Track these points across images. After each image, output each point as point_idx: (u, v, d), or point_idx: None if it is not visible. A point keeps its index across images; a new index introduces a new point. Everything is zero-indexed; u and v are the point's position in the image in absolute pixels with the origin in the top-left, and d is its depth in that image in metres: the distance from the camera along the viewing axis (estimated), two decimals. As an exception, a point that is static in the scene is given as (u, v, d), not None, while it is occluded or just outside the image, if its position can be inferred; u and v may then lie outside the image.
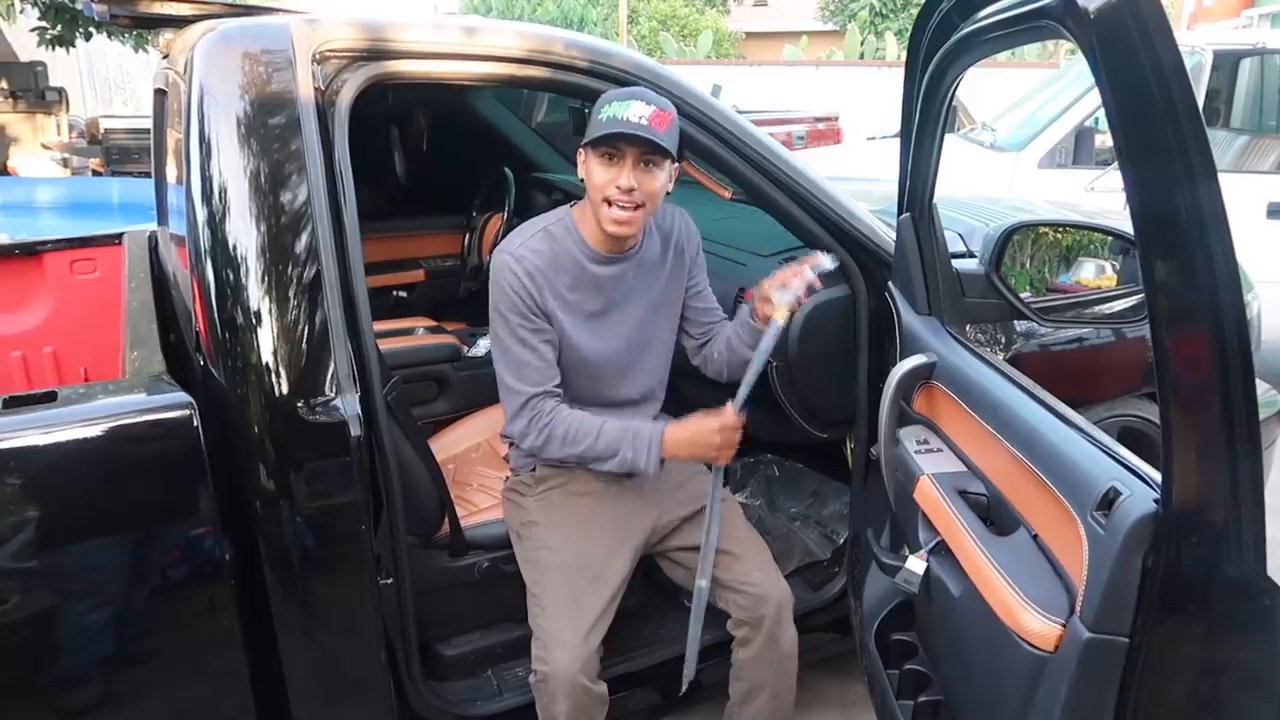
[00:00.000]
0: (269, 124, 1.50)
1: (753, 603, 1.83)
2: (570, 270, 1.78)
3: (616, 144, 1.64)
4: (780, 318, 1.73)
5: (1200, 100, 4.52)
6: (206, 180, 1.50)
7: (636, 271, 1.85)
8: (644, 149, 1.65)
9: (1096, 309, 2.19)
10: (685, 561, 1.91)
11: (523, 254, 1.75)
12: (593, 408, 1.84)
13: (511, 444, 2.00)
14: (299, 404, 1.52)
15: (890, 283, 1.95)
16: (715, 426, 1.74)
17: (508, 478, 2.01)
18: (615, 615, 1.78)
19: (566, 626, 1.70)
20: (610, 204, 1.68)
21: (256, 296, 1.50)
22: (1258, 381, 1.25)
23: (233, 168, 1.49)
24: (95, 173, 7.58)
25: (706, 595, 1.81)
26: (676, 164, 1.74)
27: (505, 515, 1.98)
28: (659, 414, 1.99)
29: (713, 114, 1.87)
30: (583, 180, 1.74)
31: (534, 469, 1.91)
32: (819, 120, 8.57)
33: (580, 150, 1.72)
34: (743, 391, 1.74)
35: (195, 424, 1.39)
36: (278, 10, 2.10)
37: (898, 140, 1.82)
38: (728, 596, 1.86)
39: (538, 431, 1.76)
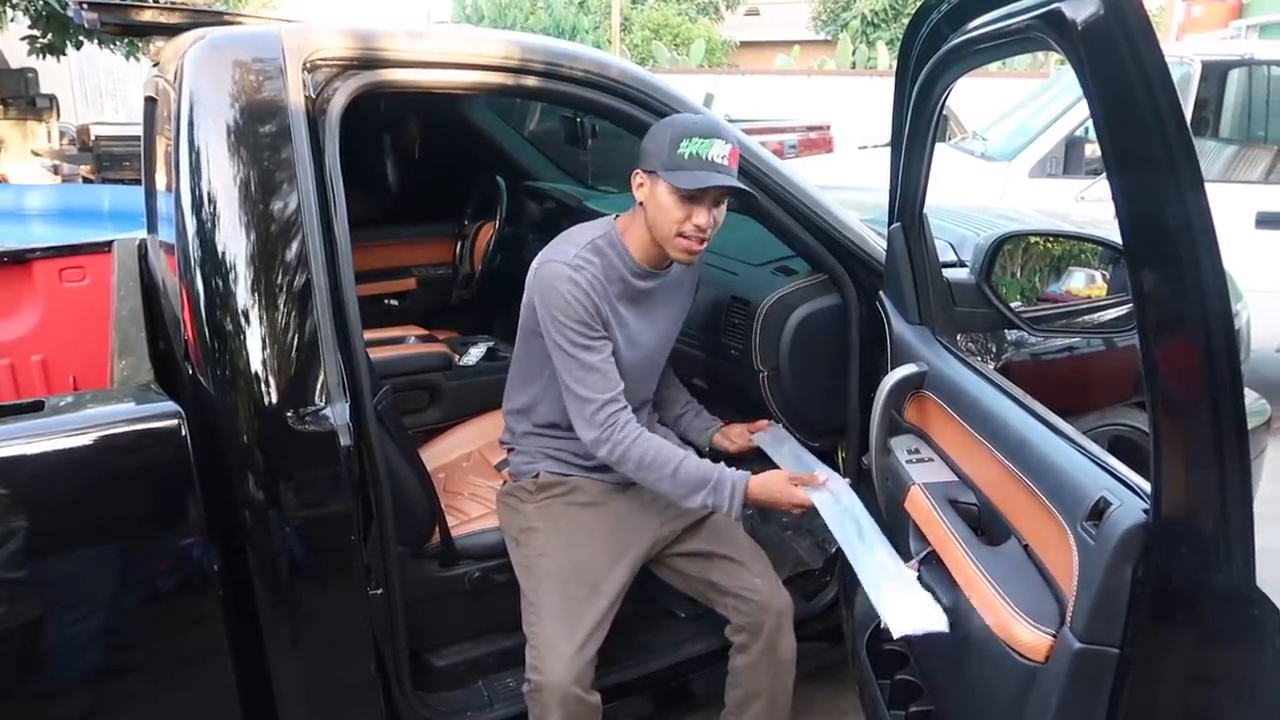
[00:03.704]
0: (259, 132, 1.50)
1: (754, 609, 1.83)
2: (617, 281, 1.79)
3: (705, 188, 1.65)
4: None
5: (1189, 110, 4.56)
6: (196, 188, 1.49)
7: (666, 287, 1.88)
8: (724, 192, 1.68)
9: (1086, 318, 2.19)
10: (683, 568, 1.91)
11: (579, 264, 1.73)
12: None
13: (511, 450, 2.00)
14: (288, 413, 1.51)
15: (881, 292, 1.95)
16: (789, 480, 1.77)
17: (504, 483, 2.01)
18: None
19: (563, 636, 1.69)
20: (684, 237, 1.70)
21: (246, 305, 1.49)
22: (1246, 390, 1.26)
23: (223, 176, 1.48)
24: (86, 180, 7.56)
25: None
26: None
27: (501, 520, 1.97)
28: (653, 414, 2.03)
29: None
30: (638, 200, 1.74)
31: (536, 475, 1.90)
32: (811, 129, 8.60)
33: (641, 172, 1.72)
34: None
35: (184, 433, 1.39)
36: (269, 19, 2.10)
37: (889, 149, 1.83)
38: (728, 602, 1.85)
39: (612, 445, 1.73)
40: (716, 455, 1.99)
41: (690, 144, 1.64)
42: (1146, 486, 1.14)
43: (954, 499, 1.55)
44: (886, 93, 1.84)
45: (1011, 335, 2.11)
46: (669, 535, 1.90)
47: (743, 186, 1.70)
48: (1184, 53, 4.75)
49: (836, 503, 1.72)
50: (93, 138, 7.58)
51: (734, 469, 1.77)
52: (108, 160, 7.32)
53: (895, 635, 1.47)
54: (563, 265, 1.72)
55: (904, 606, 1.50)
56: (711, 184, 1.64)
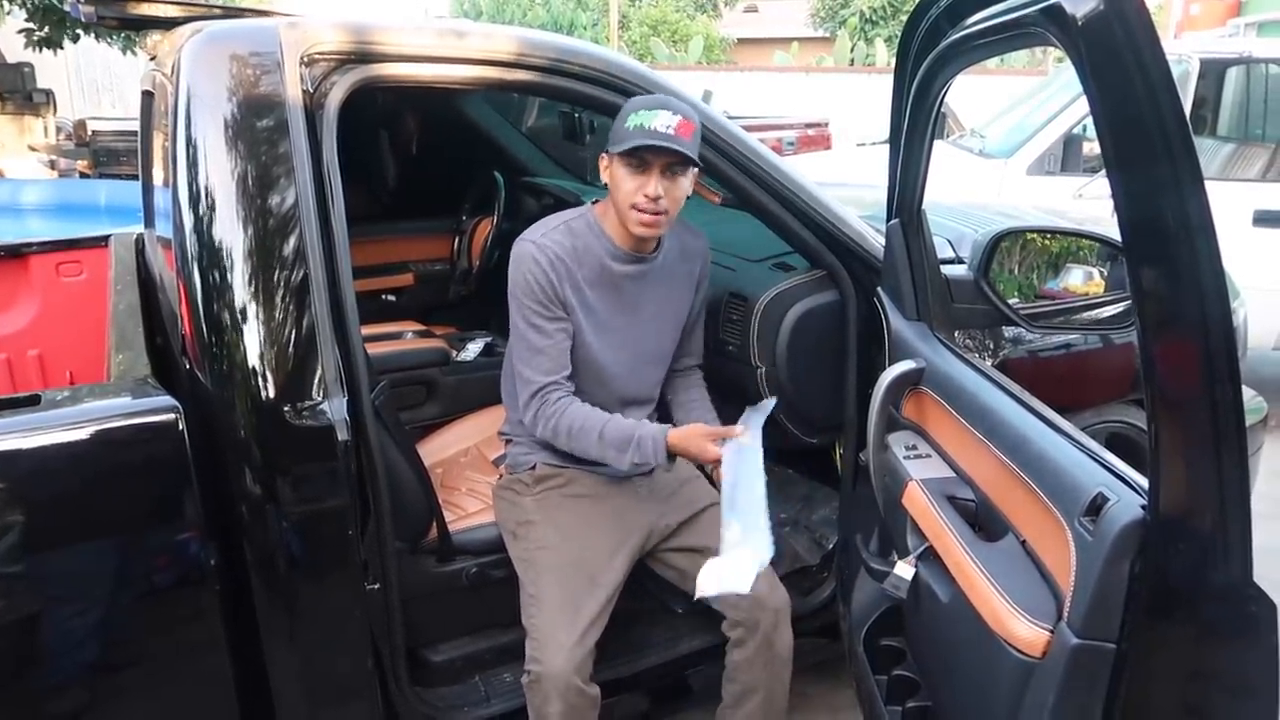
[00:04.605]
0: (256, 126, 1.50)
1: (751, 604, 1.82)
2: (590, 265, 1.80)
3: (644, 155, 1.67)
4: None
5: (1187, 108, 4.56)
6: (193, 182, 1.49)
7: (653, 276, 1.88)
8: (670, 158, 1.68)
9: (1084, 315, 2.20)
10: (679, 564, 1.91)
11: (545, 243, 1.77)
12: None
13: (509, 442, 2.00)
14: (286, 408, 1.51)
15: (879, 288, 1.95)
16: (705, 435, 1.75)
17: (501, 476, 2.01)
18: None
19: (563, 627, 1.70)
20: (636, 209, 1.71)
21: (243, 299, 1.49)
22: (1243, 388, 1.26)
23: (220, 170, 1.48)
24: (83, 174, 7.53)
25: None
26: (698, 168, 1.77)
27: (498, 514, 1.97)
28: (652, 416, 2.00)
29: (703, 119, 1.87)
30: (605, 184, 1.77)
31: (533, 467, 1.91)
32: (809, 126, 8.59)
33: (604, 154, 1.75)
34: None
35: (181, 428, 1.38)
36: (266, 13, 2.09)
37: (887, 146, 1.83)
38: (725, 598, 1.85)
39: (544, 422, 1.79)
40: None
41: (637, 117, 1.67)
42: (1144, 483, 1.14)
43: (952, 495, 1.55)
44: (885, 90, 1.84)
45: (1009, 332, 2.11)
46: (665, 529, 1.90)
47: (680, 149, 1.65)
48: (1182, 50, 4.75)
49: (733, 459, 1.68)
50: (90, 132, 7.55)
51: (657, 424, 1.81)
52: (105, 155, 7.29)
53: (695, 596, 1.56)
54: (529, 244, 1.77)
55: (715, 571, 1.55)
56: (643, 143, 1.64)
